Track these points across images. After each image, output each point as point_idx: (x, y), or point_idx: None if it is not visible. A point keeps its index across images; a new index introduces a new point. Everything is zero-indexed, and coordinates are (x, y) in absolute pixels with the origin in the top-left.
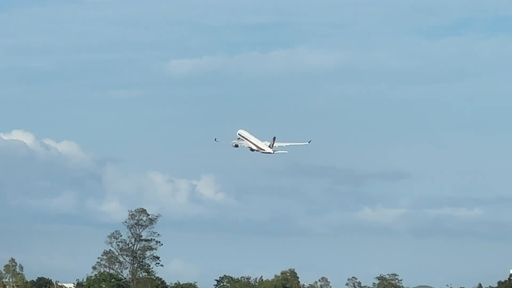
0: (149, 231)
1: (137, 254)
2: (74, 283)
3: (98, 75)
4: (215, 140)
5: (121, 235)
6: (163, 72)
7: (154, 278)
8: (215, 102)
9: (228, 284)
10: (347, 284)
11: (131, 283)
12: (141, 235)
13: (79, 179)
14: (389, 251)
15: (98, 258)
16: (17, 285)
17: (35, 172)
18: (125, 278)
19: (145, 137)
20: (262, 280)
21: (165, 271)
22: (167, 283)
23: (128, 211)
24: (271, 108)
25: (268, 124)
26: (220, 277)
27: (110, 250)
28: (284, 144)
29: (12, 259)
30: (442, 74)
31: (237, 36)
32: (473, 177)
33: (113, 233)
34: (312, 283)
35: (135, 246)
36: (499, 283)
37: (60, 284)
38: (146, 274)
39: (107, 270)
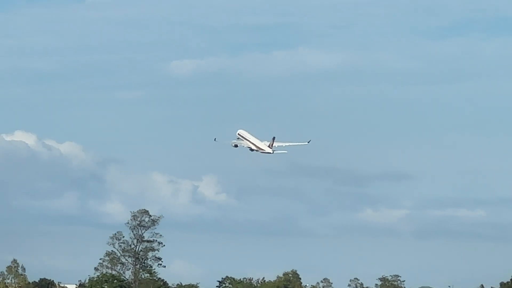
0: (151, 232)
1: (139, 255)
2: (76, 284)
3: (100, 75)
4: (214, 140)
5: (123, 236)
6: (164, 72)
7: (156, 279)
8: (217, 102)
9: (230, 285)
10: (349, 285)
11: (133, 284)
12: (143, 236)
13: (81, 180)
14: (391, 252)
15: (100, 259)
16: (19, 286)
17: (37, 173)
18: (127, 279)
19: (147, 138)
20: (264, 281)
21: (167, 272)
22: (169, 284)
23: (130, 212)
24: (272, 108)
25: (269, 125)
26: (222, 278)
27: (112, 251)
28: (283, 144)
29: (14, 260)
30: (443, 74)
31: (238, 36)
32: (475, 178)
33: (115, 234)
34: (314, 284)
35: (137, 247)
36: (501, 284)
37: (62, 285)
38: (148, 275)
39: (109, 271)
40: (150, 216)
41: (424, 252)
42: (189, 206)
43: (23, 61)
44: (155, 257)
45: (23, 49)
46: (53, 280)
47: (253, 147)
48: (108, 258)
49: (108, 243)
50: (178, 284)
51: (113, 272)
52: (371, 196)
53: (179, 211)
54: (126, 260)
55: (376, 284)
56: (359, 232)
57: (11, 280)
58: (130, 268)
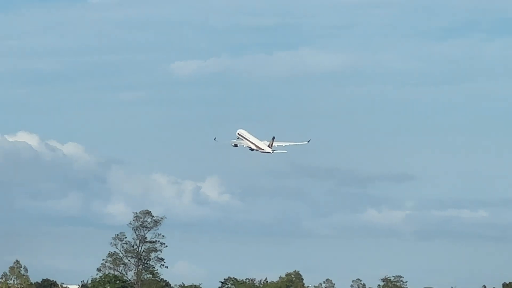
0: (154, 233)
1: (142, 256)
2: (78, 285)
3: (102, 76)
4: (214, 139)
5: (126, 237)
6: (167, 73)
7: (159, 280)
8: (219, 103)
9: (233, 286)
10: (351, 286)
11: (136, 285)
12: (146, 237)
13: (84, 181)
14: (394, 253)
15: (103, 259)
16: (21, 287)
17: (39, 174)
18: (129, 280)
19: (150, 139)
20: (267, 281)
21: (170, 273)
22: (172, 285)
23: (133, 212)
24: (274, 109)
25: (271, 125)
26: (224, 279)
27: (115, 251)
28: (283, 144)
29: (17, 260)
30: (445, 75)
31: (240, 37)
32: (477, 179)
33: (118, 234)
34: (316, 284)
35: (140, 247)
36: (504, 284)
37: (65, 285)
38: (151, 275)
39: (112, 271)
40: (153, 216)
41: (427, 252)
42: (192, 207)
43: (26, 62)
44: (158, 257)
45: (26, 50)
46: (55, 281)
47: (253, 147)
48: (111, 259)
49: (110, 244)
50: (180, 284)
51: (116, 273)
52: (373, 196)
53: (182, 212)
54: (129, 260)
55: (379, 285)
56: (361, 232)
57: (14, 280)
58: (132, 269)
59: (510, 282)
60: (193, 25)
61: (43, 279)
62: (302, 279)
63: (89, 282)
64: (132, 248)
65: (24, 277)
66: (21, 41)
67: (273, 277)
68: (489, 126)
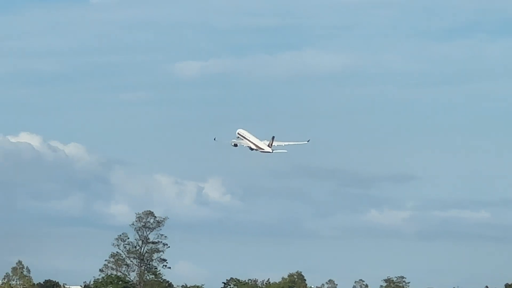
0: (156, 234)
1: (144, 257)
2: (81, 286)
3: (104, 77)
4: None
5: (128, 238)
6: (169, 74)
7: (161, 281)
8: (223, 104)
9: (235, 287)
10: (354, 286)
11: (138, 286)
12: (148, 238)
13: (86, 182)
14: (396, 254)
15: (106, 260)
16: None
17: (42, 175)
18: (132, 281)
19: (152, 139)
20: (269, 282)
21: (172, 274)
22: (174, 286)
23: (135, 213)
24: (277, 109)
25: (273, 126)
26: (227, 280)
27: (117, 252)
28: (283, 143)
29: (19, 261)
30: (447, 76)
31: (243, 38)
32: (479, 179)
33: (120, 235)
34: (319, 285)
35: (142, 248)
36: (506, 285)
37: (67, 286)
38: (153, 276)
39: (114, 272)
40: (155, 217)
41: (429, 253)
42: (194, 208)
43: (28, 62)
44: (160, 258)
45: (28, 50)
46: (58, 282)
47: (253, 147)
48: (113, 260)
49: (113, 245)
50: (183, 285)
51: (118, 274)
52: (375, 197)
53: (184, 213)
54: (131, 261)
55: (381, 286)
56: (363, 233)
57: (16, 281)
58: (135, 270)
59: None
60: (194, 25)
61: (45, 280)
62: (305, 279)
63: (92, 282)
64: (134, 249)
65: (27, 277)
66: (23, 42)
67: (276, 278)
68: (490, 126)
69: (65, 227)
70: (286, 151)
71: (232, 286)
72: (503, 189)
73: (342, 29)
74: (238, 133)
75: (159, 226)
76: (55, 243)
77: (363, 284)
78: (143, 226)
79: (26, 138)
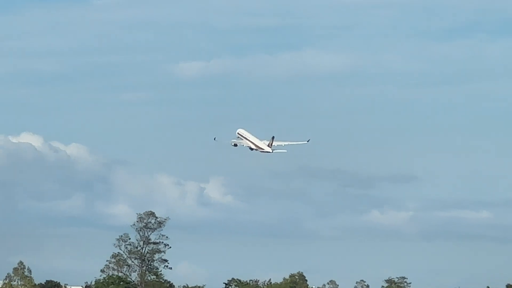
0: (158, 234)
1: (146, 257)
2: (82, 286)
3: (106, 77)
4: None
5: (129, 238)
6: (170, 74)
7: (163, 281)
8: (223, 104)
9: (237, 287)
10: (355, 287)
11: (140, 286)
12: (149, 238)
13: (87, 182)
14: (398, 254)
15: (107, 261)
16: None
17: (43, 175)
18: (133, 281)
19: (154, 140)
20: (271, 283)
21: (173, 274)
22: (176, 286)
23: (137, 214)
24: (277, 110)
25: (274, 126)
26: (228, 280)
27: (118, 253)
28: (283, 143)
29: (21, 262)
30: (447, 76)
31: (244, 38)
32: (481, 180)
33: (121, 236)
34: (320, 286)
35: (144, 249)
36: (508, 285)
37: (69, 287)
38: (154, 277)
39: (115, 273)
40: (157, 218)
41: (430, 254)
42: (196, 208)
43: (29, 63)
44: (162, 259)
45: (29, 50)
46: (59, 282)
47: (253, 146)
48: (114, 260)
49: (114, 245)
50: (184, 286)
51: (119, 274)
52: (377, 198)
53: (186, 213)
54: (132, 262)
55: (383, 286)
56: (365, 234)
57: (18, 282)
58: (136, 270)
59: None
60: (194, 25)
61: (46, 280)
62: (306, 280)
63: (93, 283)
64: (135, 249)
65: (28, 278)
66: (25, 42)
67: (277, 278)
68: (491, 126)
69: (67, 228)
70: (285, 151)
71: (233, 286)
72: (504, 189)
73: (342, 29)
74: (238, 133)
75: (160, 227)
76: (56, 243)
77: (365, 285)
78: (144, 226)
79: (27, 138)
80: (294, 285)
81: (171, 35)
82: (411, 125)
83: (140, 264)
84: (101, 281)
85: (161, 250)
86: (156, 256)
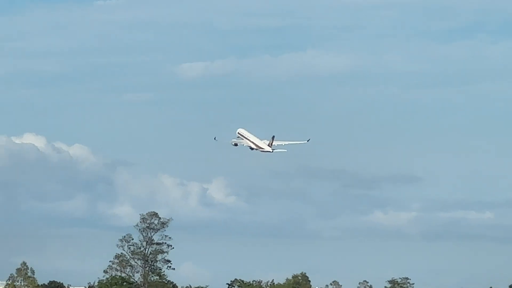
0: (161, 235)
1: (149, 258)
2: (85, 287)
3: (109, 78)
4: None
5: (132, 239)
6: (173, 75)
7: (166, 282)
8: (226, 105)
9: None
10: (358, 287)
11: (143, 287)
12: (152, 239)
13: (90, 183)
14: (401, 255)
15: (110, 261)
16: None
17: (46, 176)
18: (136, 282)
19: (156, 140)
20: (274, 283)
21: (176, 275)
22: (179, 287)
23: (140, 214)
24: (281, 110)
25: (277, 127)
26: (231, 281)
27: (121, 253)
28: (283, 143)
29: (24, 262)
30: (451, 77)
31: (248, 39)
32: (484, 180)
33: (124, 236)
34: (323, 286)
35: (147, 249)
36: (511, 286)
37: (72, 287)
38: (157, 277)
39: (118, 273)
40: (160, 218)
41: (433, 254)
42: (199, 209)
43: (32, 63)
44: (165, 259)
45: (32, 51)
46: (62, 283)
47: (253, 146)
48: (118, 261)
49: (117, 246)
50: (187, 286)
51: (122, 275)
52: (380, 198)
53: (189, 214)
54: (136, 262)
55: (385, 287)
56: (368, 234)
57: (21, 282)
58: (139, 271)
59: None
60: (198, 26)
61: (50, 281)
62: (309, 280)
63: (96, 283)
64: (138, 250)
65: (31, 279)
66: (27, 42)
67: (280, 279)
68: (492, 127)
69: (70, 228)
70: (286, 150)
71: (236, 287)
72: (506, 190)
73: (344, 30)
74: (238, 133)
75: (163, 227)
76: (59, 244)
77: (367, 285)
78: (147, 227)
79: (30, 139)
80: (297, 285)
81: (172, 35)
82: (413, 126)
83: (143, 265)
84: (104, 281)
85: (164, 250)
86: (159, 256)
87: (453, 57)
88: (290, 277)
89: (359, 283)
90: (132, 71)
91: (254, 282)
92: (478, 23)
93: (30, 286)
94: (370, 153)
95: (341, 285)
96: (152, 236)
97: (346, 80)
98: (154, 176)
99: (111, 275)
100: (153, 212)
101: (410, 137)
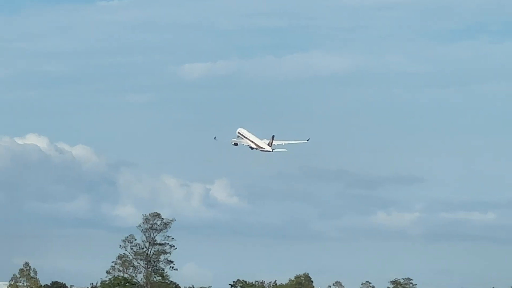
0: (163, 235)
1: (151, 258)
2: (88, 287)
3: (112, 79)
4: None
5: (135, 239)
6: (176, 76)
7: (168, 282)
8: (229, 106)
9: None
10: None
11: (145, 287)
12: (155, 239)
13: (93, 183)
14: (403, 255)
15: (113, 262)
16: None
17: (49, 176)
18: (139, 282)
19: (159, 141)
20: (276, 284)
21: (179, 275)
22: (181, 287)
23: (143, 215)
24: (284, 111)
25: (280, 127)
26: (233, 281)
27: (124, 254)
28: (283, 142)
29: (27, 263)
30: (454, 78)
31: (251, 40)
32: (486, 181)
33: (127, 237)
34: (326, 287)
35: (149, 250)
36: None
37: None
38: (160, 278)
39: (121, 274)
40: (162, 219)
41: (436, 255)
42: (201, 209)
43: (35, 64)
44: (167, 260)
45: (35, 52)
46: (65, 283)
47: (253, 146)
48: (120, 261)
49: (120, 246)
50: (190, 287)
51: (125, 275)
52: (383, 199)
53: (191, 214)
54: (138, 263)
55: (388, 287)
56: (370, 235)
57: (23, 283)
58: (142, 271)
59: None
60: (201, 27)
61: (52, 282)
62: (312, 281)
63: (99, 284)
64: (141, 251)
65: (34, 279)
66: (30, 43)
67: (283, 280)
68: (498, 128)
69: (72, 229)
70: (286, 150)
71: (238, 287)
72: (509, 191)
73: (347, 30)
74: (238, 132)
75: (166, 228)
76: (62, 244)
77: (370, 286)
78: (150, 227)
79: (33, 139)
80: (300, 286)
81: (175, 36)
82: (416, 127)
83: (146, 265)
84: (107, 282)
85: (167, 251)
86: (162, 257)
87: (455, 58)
88: (292, 278)
89: (361, 284)
90: (135, 71)
91: (256, 282)
92: (479, 24)
93: (33, 286)
94: (373, 154)
95: (343, 286)
96: (154, 237)
97: (348, 80)
98: (156, 177)
99: (114, 275)
100: (156, 212)
101: (413, 137)
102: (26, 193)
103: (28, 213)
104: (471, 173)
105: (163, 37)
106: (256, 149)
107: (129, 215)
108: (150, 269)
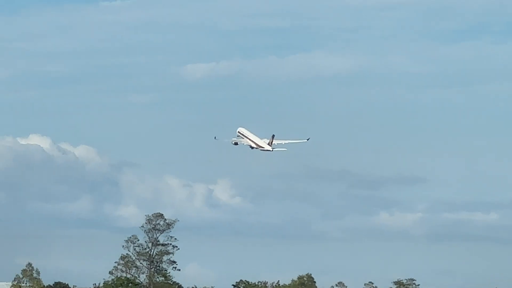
0: (166, 236)
1: (154, 259)
2: None
3: (114, 79)
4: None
5: (138, 240)
6: (178, 76)
7: (171, 283)
8: (232, 106)
9: None
10: None
11: None
12: (158, 240)
13: (96, 184)
14: (406, 256)
15: (115, 262)
16: None
17: (51, 177)
18: (142, 283)
19: (162, 141)
20: (279, 284)
21: (182, 276)
22: None
23: (145, 215)
24: (286, 111)
25: (282, 127)
26: (236, 282)
27: (127, 254)
28: (283, 142)
29: (29, 263)
30: (457, 78)
31: (253, 40)
32: (489, 181)
33: (130, 237)
34: (329, 287)
35: (152, 250)
36: None
37: None
38: (163, 278)
39: (124, 274)
40: (165, 219)
41: (439, 255)
42: (204, 210)
43: (37, 64)
44: (170, 260)
45: (37, 52)
46: (67, 284)
47: (253, 145)
48: (123, 262)
49: (123, 247)
50: (192, 287)
51: (128, 276)
52: (385, 199)
53: (194, 215)
54: (141, 263)
55: None
56: (373, 235)
57: (26, 283)
58: (144, 272)
59: None
60: (203, 27)
61: (55, 282)
62: (315, 281)
63: (102, 285)
64: (144, 251)
65: (37, 280)
66: (33, 43)
67: (286, 280)
68: (501, 128)
69: (75, 229)
70: (286, 149)
71: None
72: None
73: (350, 31)
74: (238, 132)
75: (168, 228)
76: (65, 245)
77: (373, 286)
78: (153, 228)
79: (36, 140)
80: (303, 286)
81: (178, 36)
82: (419, 127)
83: (149, 266)
84: (110, 282)
85: (170, 251)
86: (165, 257)
87: (457, 58)
88: (295, 278)
89: (364, 284)
90: (138, 72)
91: (259, 283)
92: (481, 24)
93: (36, 287)
94: (375, 154)
95: (346, 286)
96: (157, 237)
97: (350, 80)
98: (159, 177)
99: (117, 276)
100: (159, 213)
101: (415, 138)
102: (29, 194)
103: (31, 214)
104: (473, 174)
105: (166, 38)
106: (256, 148)
107: (132, 215)
108: (153, 270)
